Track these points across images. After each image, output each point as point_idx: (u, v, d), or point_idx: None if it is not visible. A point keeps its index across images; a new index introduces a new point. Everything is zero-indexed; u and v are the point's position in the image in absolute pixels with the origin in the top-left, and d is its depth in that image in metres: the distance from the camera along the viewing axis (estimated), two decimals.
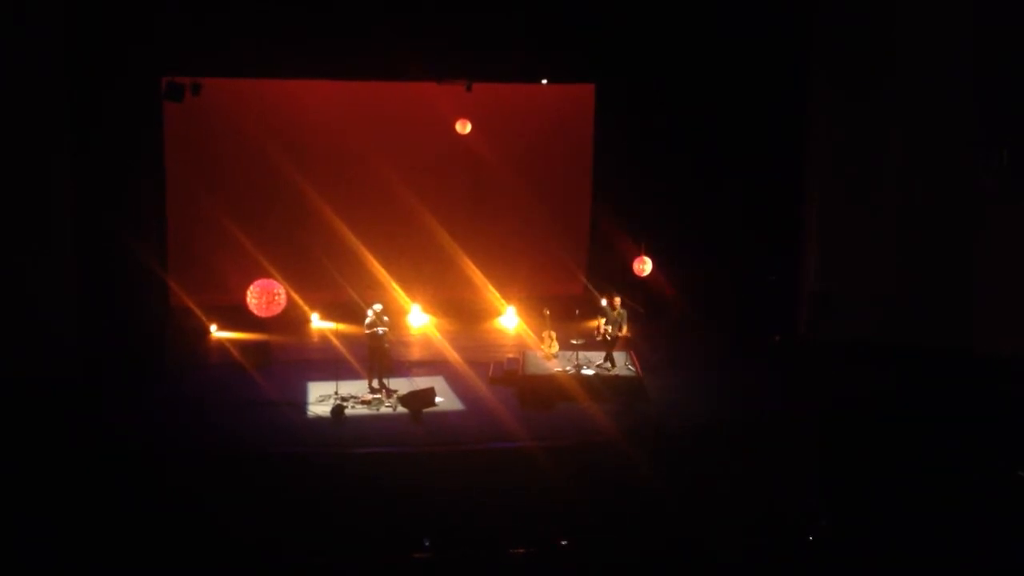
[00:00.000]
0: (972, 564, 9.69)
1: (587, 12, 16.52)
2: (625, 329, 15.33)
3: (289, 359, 16.49)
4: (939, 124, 16.66)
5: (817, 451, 12.56)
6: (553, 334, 16.00)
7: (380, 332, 14.48)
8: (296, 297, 16.84)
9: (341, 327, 15.93)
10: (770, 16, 16.89)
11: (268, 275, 15.34)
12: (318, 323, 18.39)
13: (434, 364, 16.40)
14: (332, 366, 14.76)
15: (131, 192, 15.53)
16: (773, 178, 17.72)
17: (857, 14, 16.93)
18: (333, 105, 19.03)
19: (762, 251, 17.88)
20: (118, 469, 11.84)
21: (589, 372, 15.11)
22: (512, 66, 17.37)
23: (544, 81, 18.36)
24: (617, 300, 15.42)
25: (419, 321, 19.13)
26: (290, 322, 17.85)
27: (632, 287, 17.90)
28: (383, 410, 14.04)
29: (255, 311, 14.09)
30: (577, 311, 17.55)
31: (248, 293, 14.03)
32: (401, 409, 14.05)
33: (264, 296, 13.91)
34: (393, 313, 16.49)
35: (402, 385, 14.77)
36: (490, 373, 15.69)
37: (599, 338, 15.35)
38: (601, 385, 14.77)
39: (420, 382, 14.96)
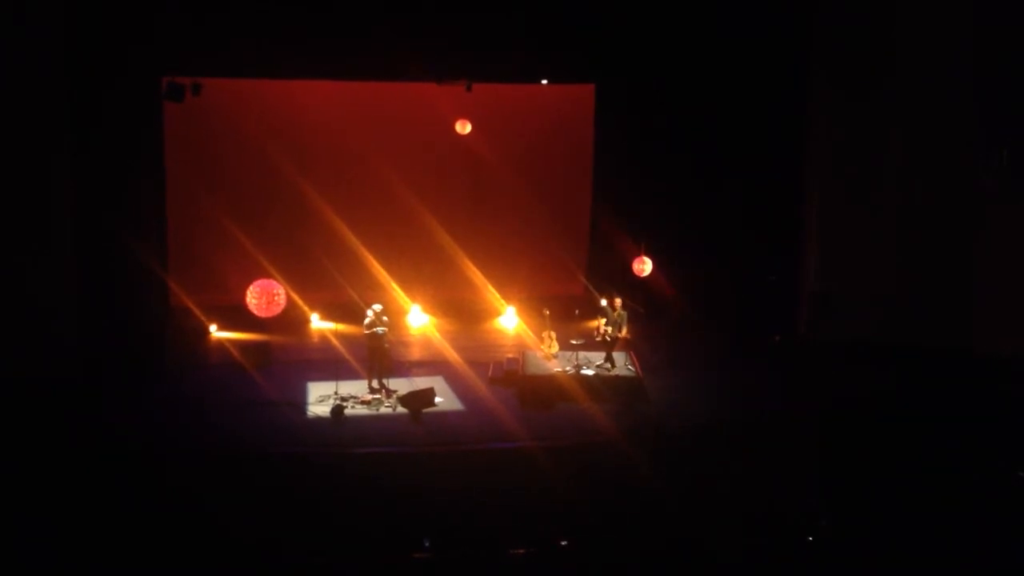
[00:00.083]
0: (972, 564, 9.69)
1: (587, 12, 16.52)
2: (625, 330, 15.32)
3: (289, 359, 16.49)
4: (939, 124, 16.66)
5: (817, 451, 12.55)
6: (553, 334, 16.00)
7: (380, 332, 14.48)
8: (296, 297, 16.83)
9: (341, 327, 15.93)
10: (770, 16, 16.89)
11: (268, 275, 15.31)
12: (318, 323, 18.39)
13: (434, 364, 16.41)
14: (332, 366, 14.75)
15: (131, 192, 15.53)
16: (773, 178, 17.72)
17: (857, 14, 16.93)
18: (333, 105, 19.03)
19: (762, 251, 17.88)
20: (118, 469, 11.84)
21: (589, 372, 15.11)
22: (512, 66, 17.37)
23: (544, 81, 18.36)
24: (618, 301, 15.42)
25: (419, 321, 19.13)
26: (290, 322, 17.85)
27: (632, 287, 17.92)
28: (383, 410, 14.04)
29: (255, 311, 14.07)
30: (577, 311, 17.55)
31: (248, 293, 14.02)
32: (401, 409, 14.05)
33: (264, 296, 13.90)
34: (393, 313, 16.49)
35: (402, 385, 14.77)
36: (490, 373, 15.69)
37: (599, 338, 15.35)
38: (601, 385, 14.77)
39: (420, 382, 14.96)
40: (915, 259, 16.98)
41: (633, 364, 15.44)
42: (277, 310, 14.12)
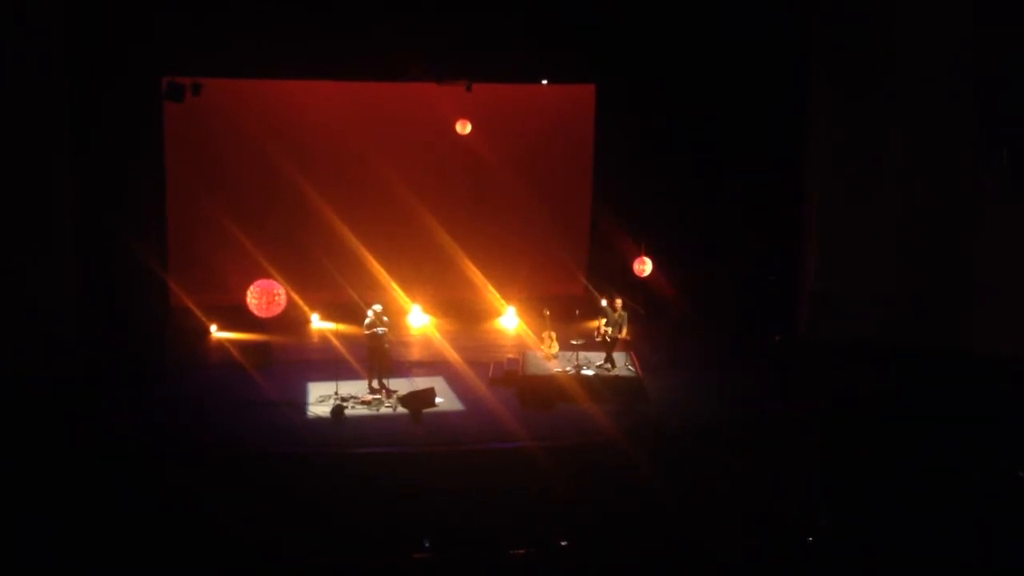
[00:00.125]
0: (972, 564, 9.68)
1: (587, 12, 16.52)
2: (625, 332, 15.31)
3: (289, 359, 16.49)
4: (939, 124, 16.66)
5: (817, 451, 12.55)
6: (553, 334, 16.00)
7: (380, 332, 14.48)
8: (296, 297, 16.84)
9: (341, 327, 15.93)
10: (770, 16, 16.89)
11: (268, 275, 15.33)
12: (318, 323, 18.39)
13: (434, 364, 16.41)
14: (332, 366, 14.76)
15: (131, 192, 15.54)
16: (773, 178, 17.72)
17: (857, 14, 16.93)
18: (333, 105, 19.04)
19: (762, 251, 17.88)
20: (118, 469, 11.83)
21: (589, 372, 15.11)
22: (512, 66, 17.37)
23: (544, 81, 18.36)
24: (618, 302, 15.41)
25: (419, 321, 19.13)
26: (290, 322, 17.86)
27: (632, 287, 17.93)
28: (383, 410, 14.04)
29: (255, 311, 14.09)
30: (577, 311, 17.55)
31: (248, 293, 14.04)
32: (401, 409, 14.05)
33: (264, 296, 13.92)
34: (393, 313, 16.49)
35: (402, 385, 14.77)
36: (490, 373, 15.69)
37: (599, 339, 15.35)
38: (601, 385, 14.77)
39: (420, 382, 14.96)
40: (915, 259, 16.98)
41: (633, 364, 15.44)
42: (277, 310, 14.14)
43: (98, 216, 14.91)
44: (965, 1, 16.41)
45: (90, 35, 14.54)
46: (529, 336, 17.64)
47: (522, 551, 10.12)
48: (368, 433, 13.19)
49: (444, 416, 13.98)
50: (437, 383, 15.01)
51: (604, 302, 15.55)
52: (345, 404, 13.99)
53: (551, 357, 15.80)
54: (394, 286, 18.74)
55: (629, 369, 15.33)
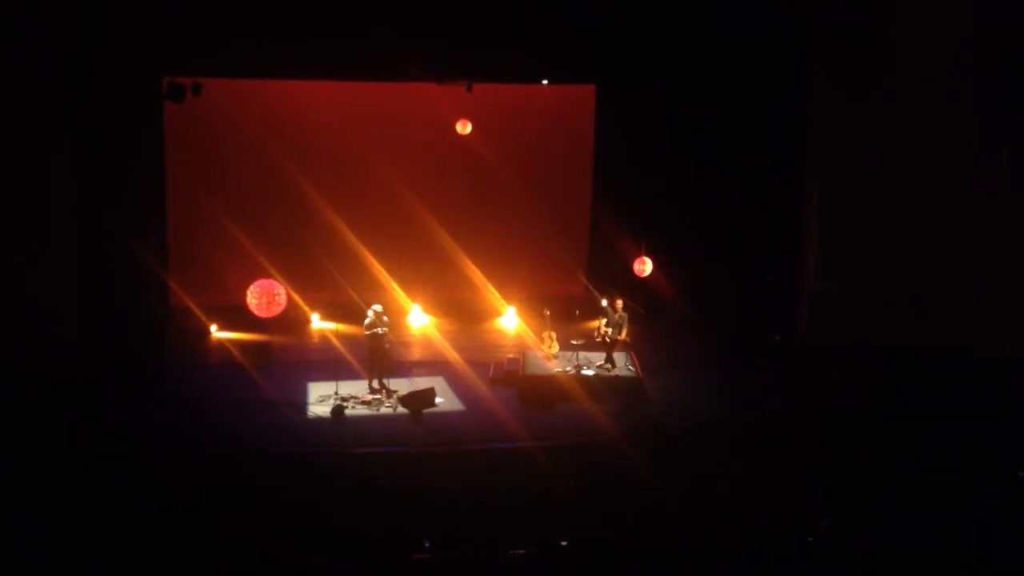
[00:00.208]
0: (972, 564, 9.68)
1: (587, 12, 16.52)
2: (624, 333, 15.29)
3: (289, 359, 16.49)
4: (939, 124, 16.66)
5: (817, 451, 12.55)
6: (553, 334, 15.99)
7: (380, 332, 14.48)
8: (296, 297, 16.85)
9: (341, 327, 15.93)
10: (770, 16, 16.89)
11: (268, 275, 15.34)
12: (318, 323, 18.39)
13: (434, 364, 16.41)
14: (332, 366, 14.75)
15: (131, 192, 15.53)
16: (773, 178, 17.72)
17: (857, 14, 16.93)
18: (334, 106, 19.04)
19: (762, 251, 17.88)
20: (118, 469, 11.83)
21: (589, 373, 15.11)
22: (512, 66, 17.38)
23: (544, 82, 18.36)
24: (619, 303, 15.40)
25: (419, 321, 19.13)
26: (290, 322, 17.86)
27: (632, 287, 17.94)
28: (383, 410, 14.04)
29: (255, 311, 14.09)
30: (577, 311, 17.56)
31: (248, 293, 14.04)
32: (401, 409, 14.05)
33: (264, 296, 13.92)
34: (393, 313, 16.49)
35: (402, 385, 14.77)
36: (490, 373, 15.69)
37: (599, 339, 15.34)
38: (601, 386, 14.77)
39: (420, 382, 14.96)
40: (915, 259, 16.98)
41: (633, 364, 15.44)
42: (277, 310, 14.14)
43: (98, 216, 14.91)
44: (965, 1, 16.41)
45: (90, 35, 14.53)
46: (529, 336, 17.64)
47: (522, 551, 10.12)
48: (368, 433, 13.19)
49: (444, 416, 13.98)
50: (437, 383, 15.01)
51: (604, 302, 15.55)
52: (345, 404, 13.99)
53: (551, 357, 15.80)
54: (394, 286, 18.74)
55: (629, 369, 15.33)
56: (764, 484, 11.65)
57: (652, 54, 17.37)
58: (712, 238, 18.16)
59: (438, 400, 14.36)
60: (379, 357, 14.61)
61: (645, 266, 17.18)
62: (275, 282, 14.30)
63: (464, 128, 18.37)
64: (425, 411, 14.05)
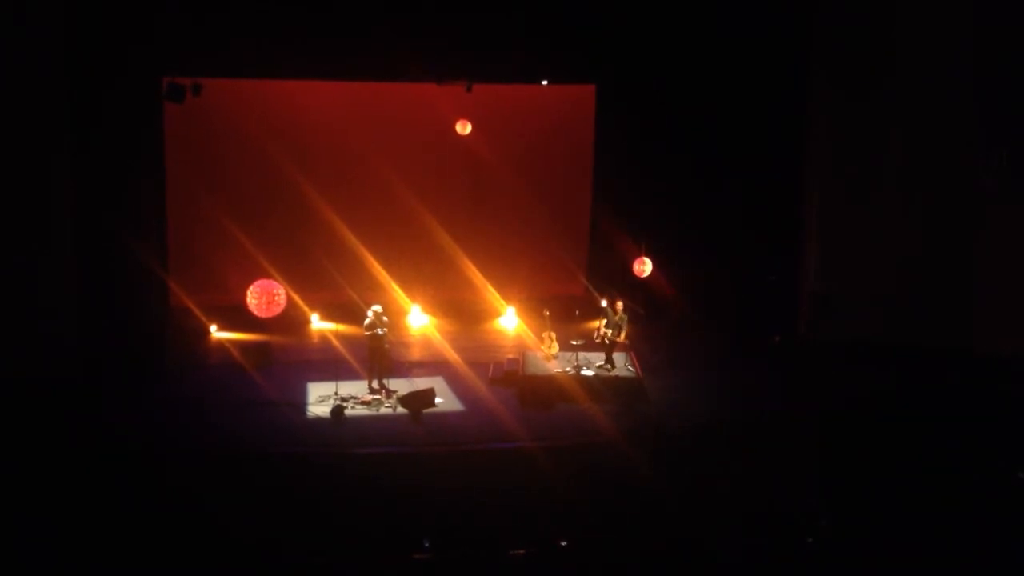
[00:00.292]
0: (972, 564, 9.68)
1: (587, 12, 16.52)
2: (623, 336, 15.27)
3: (289, 360, 16.48)
4: (939, 124, 16.66)
5: (817, 451, 12.55)
6: (553, 335, 15.99)
7: (380, 333, 14.48)
8: (296, 298, 16.84)
9: (341, 328, 15.93)
10: (770, 16, 16.89)
11: (268, 275, 15.34)
12: (318, 324, 18.39)
13: (434, 365, 16.40)
14: (332, 367, 14.75)
15: (131, 192, 15.53)
16: (773, 178, 17.71)
17: (857, 14, 16.93)
18: (334, 106, 19.03)
19: (762, 251, 17.88)
20: (118, 469, 11.83)
21: (589, 373, 15.11)
22: (512, 66, 17.37)
23: (544, 82, 18.36)
24: (619, 304, 15.39)
25: (419, 322, 19.13)
26: (290, 323, 17.85)
27: (632, 287, 17.94)
28: (383, 411, 14.04)
29: (255, 311, 14.09)
30: (577, 312, 17.55)
31: (248, 293, 14.04)
32: (401, 410, 14.05)
33: (264, 296, 13.92)
34: (393, 314, 16.48)
35: (402, 386, 14.77)
36: (490, 374, 15.69)
37: (598, 340, 15.34)
38: (601, 386, 14.76)
39: (420, 383, 14.96)
40: (915, 259, 16.98)
41: (633, 365, 15.44)
42: (277, 310, 14.14)
43: (98, 216, 14.91)
44: (965, 1, 16.40)
45: (90, 35, 14.53)
46: (529, 336, 17.64)
47: (522, 551, 10.12)
48: (368, 433, 13.19)
49: (444, 416, 13.97)
50: (437, 383, 15.01)
51: (604, 303, 15.55)
52: (345, 404, 13.98)
53: (551, 357, 15.80)
54: (394, 286, 18.74)
55: (629, 369, 15.33)
56: (764, 484, 11.65)
57: (652, 54, 17.36)
58: (712, 238, 18.16)
59: (438, 400, 14.36)
60: (379, 357, 14.61)
61: (645, 266, 17.18)
62: (275, 282, 14.30)
63: (464, 128, 18.37)
64: (425, 411, 14.05)
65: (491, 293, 19.40)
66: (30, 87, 14.26)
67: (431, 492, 11.43)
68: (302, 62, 16.23)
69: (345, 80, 18.30)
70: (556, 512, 11.08)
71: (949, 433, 13.21)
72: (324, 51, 16.13)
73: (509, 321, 19.31)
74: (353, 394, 14.38)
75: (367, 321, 14.50)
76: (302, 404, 14.22)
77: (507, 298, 19.57)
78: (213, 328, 17.90)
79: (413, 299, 19.21)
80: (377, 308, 14.66)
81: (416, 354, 17.23)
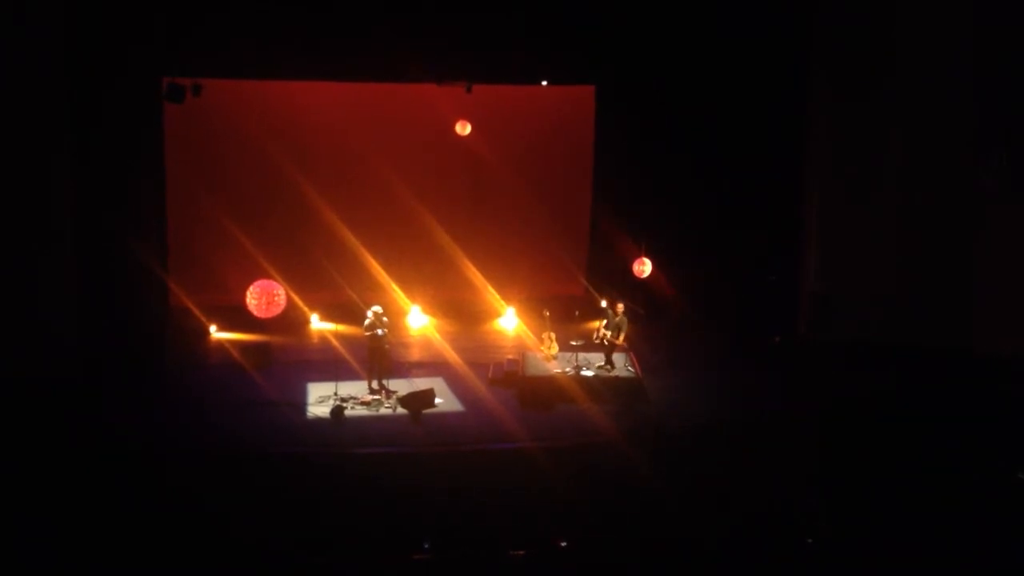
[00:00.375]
0: (972, 564, 9.68)
1: (587, 12, 16.53)
2: (622, 338, 15.24)
3: (289, 360, 16.48)
4: (939, 124, 16.66)
5: (817, 451, 12.55)
6: (553, 335, 15.99)
7: (380, 333, 14.47)
8: (296, 298, 16.84)
9: (341, 328, 15.93)
10: (770, 16, 16.90)
11: (268, 276, 15.35)
12: (318, 324, 18.39)
13: (434, 365, 16.40)
14: (332, 367, 14.75)
15: (131, 192, 15.53)
16: (773, 178, 17.72)
17: (857, 14, 16.94)
18: (333, 106, 19.03)
19: (762, 251, 17.88)
20: (118, 469, 11.83)
21: (589, 373, 15.11)
22: (512, 67, 17.38)
23: (544, 82, 18.36)
24: (620, 306, 15.36)
25: (419, 322, 19.13)
26: (290, 323, 17.85)
27: (632, 288, 17.94)
28: (383, 411, 14.03)
29: (255, 312, 14.10)
30: (577, 312, 17.55)
31: (248, 294, 14.04)
32: (401, 410, 14.04)
33: (264, 297, 13.92)
34: (393, 314, 16.48)
35: (402, 386, 14.76)
36: (490, 374, 15.68)
37: (597, 340, 15.34)
38: (601, 386, 14.76)
39: (420, 383, 14.95)
40: (915, 259, 16.98)
41: (633, 365, 15.43)
42: (277, 311, 14.15)
43: (98, 216, 14.91)
44: (965, 1, 16.40)
45: (90, 35, 14.53)
46: (529, 337, 17.64)
47: (522, 551, 10.12)
48: (368, 433, 13.19)
49: (444, 417, 13.97)
50: (437, 384, 15.01)
51: (604, 303, 15.54)
52: (345, 405, 13.98)
53: (551, 358, 15.80)
54: (394, 287, 18.74)
55: (629, 370, 15.32)
56: (764, 484, 11.65)
57: (652, 54, 17.37)
58: (712, 238, 18.16)
59: (437, 401, 14.35)
60: (379, 358, 14.61)
61: (645, 267, 17.17)
62: (275, 283, 14.30)
63: (464, 129, 18.36)
64: (424, 412, 14.04)
65: (491, 293, 19.40)
66: (30, 87, 14.26)
67: (431, 492, 11.43)
68: (302, 62, 16.24)
69: (345, 80, 18.30)
70: (556, 512, 11.08)
71: (949, 433, 13.21)
72: (324, 51, 16.14)
73: (509, 321, 19.31)
74: (353, 394, 14.37)
75: (367, 322, 14.50)
76: (302, 404, 14.22)
77: (507, 298, 19.56)
78: (213, 328, 17.89)
79: (413, 299, 19.21)
80: (377, 309, 14.66)
81: (416, 355, 17.22)
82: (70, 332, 14.71)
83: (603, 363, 15.30)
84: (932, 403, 14.65)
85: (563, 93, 19.36)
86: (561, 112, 19.74)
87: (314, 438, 13.05)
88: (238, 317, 16.90)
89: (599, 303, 15.73)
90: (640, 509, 11.08)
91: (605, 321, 15.34)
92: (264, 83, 18.29)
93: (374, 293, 17.80)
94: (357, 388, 14.62)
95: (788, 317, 17.95)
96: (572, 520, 10.88)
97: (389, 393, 14.46)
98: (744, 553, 9.72)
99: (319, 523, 10.75)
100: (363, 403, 14.19)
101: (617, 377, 15.05)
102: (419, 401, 14.13)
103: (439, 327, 18.91)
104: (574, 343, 15.65)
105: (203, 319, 17.80)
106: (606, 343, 15.21)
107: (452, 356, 16.64)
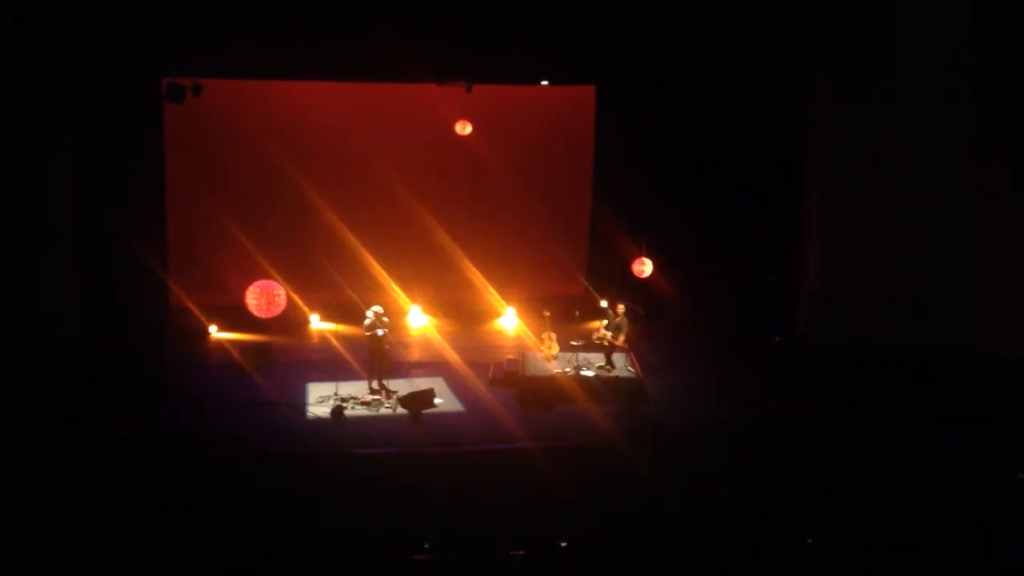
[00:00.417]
0: (972, 564, 9.68)
1: (587, 12, 16.51)
2: (621, 339, 15.24)
3: (289, 360, 16.48)
4: (939, 124, 16.66)
5: (817, 451, 12.55)
6: (553, 335, 15.99)
7: (380, 333, 14.47)
8: (296, 298, 16.83)
9: (341, 328, 15.94)
10: (770, 16, 16.88)
11: (268, 276, 15.35)
12: (318, 324, 18.40)
13: (434, 365, 16.40)
14: (332, 367, 14.77)
15: (131, 192, 15.53)
16: (773, 178, 17.71)
17: (857, 14, 16.93)
18: (334, 106, 19.03)
19: (762, 251, 17.88)
20: (118, 469, 11.84)
21: (589, 373, 15.11)
22: (512, 67, 17.36)
23: (544, 82, 18.35)
24: (620, 307, 15.37)
25: (419, 322, 19.13)
26: (290, 323, 17.84)
27: (632, 288, 17.94)
28: (383, 411, 14.04)
29: (255, 312, 14.09)
30: (577, 312, 17.55)
31: (248, 294, 14.04)
32: (401, 410, 14.05)
33: (264, 297, 13.92)
34: (393, 314, 16.47)
35: (402, 386, 14.76)
36: (490, 374, 15.69)
37: (597, 341, 15.34)
38: (601, 386, 14.76)
39: (420, 383, 14.96)
40: (915, 259, 16.98)
41: (633, 365, 15.44)
42: (277, 311, 14.14)
43: (98, 216, 14.91)
44: (965, 1, 16.40)
45: (90, 35, 14.52)
46: (529, 337, 17.63)
47: (522, 551, 10.12)
48: (368, 434, 13.19)
49: (444, 417, 13.97)
50: (437, 384, 15.01)
51: (605, 304, 15.54)
52: (345, 405, 13.98)
53: (551, 358, 15.80)
54: (394, 287, 18.73)
55: (629, 370, 15.33)
56: (764, 484, 11.65)
57: (652, 54, 17.35)
58: (712, 238, 18.15)
59: (437, 401, 14.36)
60: (379, 358, 14.61)
61: (645, 267, 17.17)
62: (275, 283, 14.30)
63: (464, 129, 18.36)
64: (424, 412, 14.05)
65: (491, 293, 19.40)
66: (30, 87, 14.25)
67: (431, 492, 11.44)
68: (302, 62, 16.22)
69: (345, 80, 18.29)
70: (556, 512, 11.08)
71: (949, 433, 13.21)
72: (324, 51, 16.12)
73: (509, 321, 19.31)
74: (353, 394, 14.38)
75: (367, 322, 14.50)
76: (302, 404, 14.22)
77: (507, 298, 19.56)
78: (213, 328, 17.89)
79: (413, 299, 19.21)
80: (377, 309, 14.66)
81: (416, 354, 17.23)
82: (70, 332, 14.71)
83: (603, 363, 15.31)
84: (932, 403, 14.64)
85: (563, 93, 19.36)
86: (561, 112, 19.73)
87: (314, 438, 13.05)
88: (238, 317, 16.90)
89: (599, 303, 15.73)
90: (640, 509, 11.08)
91: (605, 321, 15.34)
92: (264, 83, 18.29)
93: (374, 293, 17.79)
94: (357, 388, 14.62)
95: (788, 317, 17.95)
96: (572, 520, 10.88)
97: (389, 393, 14.46)
98: (744, 553, 9.72)
99: (319, 523, 10.76)
100: (363, 403, 14.19)
101: (617, 377, 15.06)
102: (419, 401, 14.13)
103: (439, 327, 18.91)
104: (574, 343, 15.65)
105: (203, 319, 17.80)
106: (605, 343, 15.20)
107: (452, 356, 16.64)
